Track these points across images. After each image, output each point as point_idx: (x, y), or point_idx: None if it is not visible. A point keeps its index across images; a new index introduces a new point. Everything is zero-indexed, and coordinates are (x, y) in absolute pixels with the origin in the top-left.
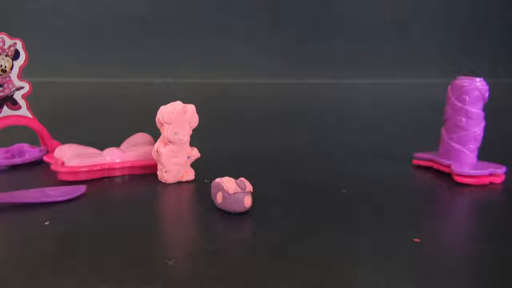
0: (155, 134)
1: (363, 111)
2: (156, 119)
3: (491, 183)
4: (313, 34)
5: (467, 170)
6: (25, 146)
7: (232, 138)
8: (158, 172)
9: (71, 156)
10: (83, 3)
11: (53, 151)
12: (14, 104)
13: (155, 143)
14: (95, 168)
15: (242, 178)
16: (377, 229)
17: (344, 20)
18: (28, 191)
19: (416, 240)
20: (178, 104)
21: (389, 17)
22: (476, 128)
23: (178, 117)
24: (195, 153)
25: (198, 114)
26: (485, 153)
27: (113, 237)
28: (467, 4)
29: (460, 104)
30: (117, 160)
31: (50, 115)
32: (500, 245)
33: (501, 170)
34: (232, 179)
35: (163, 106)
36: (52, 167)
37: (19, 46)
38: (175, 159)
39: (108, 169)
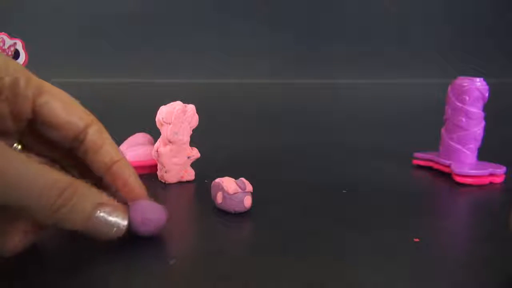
0: (155, 134)
1: (363, 111)
2: (156, 119)
3: (491, 183)
4: (313, 34)
5: (467, 170)
6: None
7: (232, 138)
8: (158, 172)
9: None
10: (83, 3)
11: None
12: None
13: (155, 143)
14: None
15: (242, 178)
16: (377, 229)
17: (344, 20)
18: None
19: (416, 240)
20: (178, 104)
21: (389, 10)
22: (476, 128)
23: (178, 117)
24: (195, 153)
25: (198, 114)
26: (485, 153)
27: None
28: (468, 4)
29: (460, 104)
30: None
31: None
32: (500, 245)
33: (501, 170)
34: (232, 179)
35: (163, 106)
36: None
37: (19, 46)
38: (175, 159)
39: None
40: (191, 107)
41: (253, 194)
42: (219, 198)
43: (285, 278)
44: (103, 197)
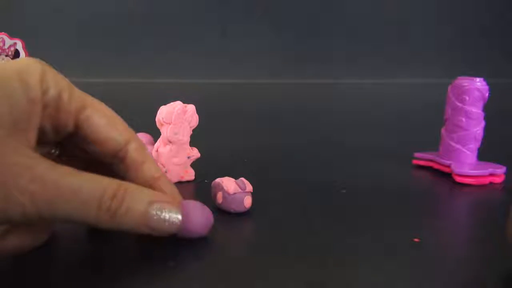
0: (155, 134)
1: (363, 111)
2: (156, 119)
3: (491, 183)
4: (313, 34)
5: (467, 170)
6: None
7: (232, 138)
8: None
9: None
10: (83, 3)
11: None
12: None
13: (155, 143)
14: None
15: (242, 178)
16: (377, 229)
17: (344, 20)
18: None
19: (416, 240)
20: (178, 104)
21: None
22: (476, 128)
23: (178, 117)
24: (195, 153)
25: (198, 114)
26: (485, 153)
27: (113, 237)
28: (467, 4)
29: (460, 104)
30: None
31: None
32: (500, 245)
33: (501, 170)
34: (232, 179)
35: (163, 106)
36: None
37: (19, 46)
38: (175, 159)
39: None
40: (191, 107)
41: (253, 194)
42: (219, 198)
43: (285, 278)
44: (155, 194)
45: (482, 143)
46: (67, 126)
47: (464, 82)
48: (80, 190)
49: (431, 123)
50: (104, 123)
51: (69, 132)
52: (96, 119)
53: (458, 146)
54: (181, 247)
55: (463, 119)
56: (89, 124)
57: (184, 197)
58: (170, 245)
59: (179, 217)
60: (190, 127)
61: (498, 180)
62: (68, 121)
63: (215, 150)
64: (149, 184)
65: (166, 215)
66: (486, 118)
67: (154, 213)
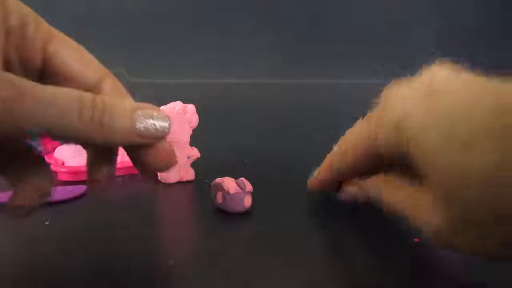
0: None
1: (363, 111)
2: None
3: None
4: (313, 34)
5: None
6: None
7: (232, 138)
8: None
9: (71, 156)
10: (82, 3)
11: (53, 151)
12: None
13: None
14: None
15: (242, 178)
16: (377, 228)
17: (344, 20)
18: None
19: (416, 240)
20: (178, 104)
21: None
22: None
23: (178, 117)
24: (195, 153)
25: (198, 114)
26: None
27: (113, 237)
28: (467, 4)
29: None
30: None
31: None
32: None
33: None
34: (232, 179)
35: (163, 106)
36: (52, 167)
37: None
38: None
39: None
40: (191, 107)
41: (253, 194)
42: (219, 198)
43: (285, 278)
44: (135, 102)
45: None
46: (34, 60)
47: None
48: (57, 96)
49: None
50: (74, 57)
51: (37, 68)
52: (66, 52)
53: None
54: (181, 246)
55: None
56: (59, 58)
57: (184, 198)
58: (170, 244)
59: (167, 123)
60: (190, 127)
61: None
62: (35, 53)
63: (215, 150)
64: None
65: (153, 121)
66: None
67: (141, 118)
